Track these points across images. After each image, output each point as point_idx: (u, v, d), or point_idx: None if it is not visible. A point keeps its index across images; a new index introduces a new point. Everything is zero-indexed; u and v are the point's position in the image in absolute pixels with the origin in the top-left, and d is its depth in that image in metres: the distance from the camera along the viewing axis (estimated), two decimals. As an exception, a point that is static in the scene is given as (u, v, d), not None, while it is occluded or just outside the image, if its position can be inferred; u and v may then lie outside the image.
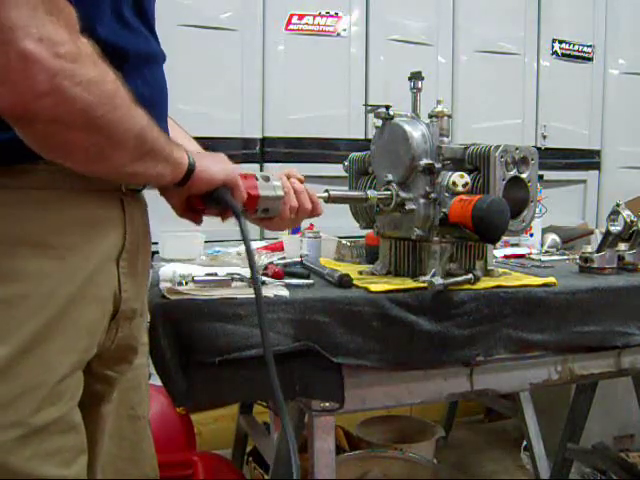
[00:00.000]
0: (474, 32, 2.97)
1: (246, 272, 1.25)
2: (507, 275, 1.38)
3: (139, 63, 0.83)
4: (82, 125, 0.67)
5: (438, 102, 1.31)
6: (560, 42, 3.17)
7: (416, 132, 1.28)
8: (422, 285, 1.21)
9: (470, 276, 1.25)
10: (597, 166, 3.34)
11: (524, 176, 1.28)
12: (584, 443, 2.22)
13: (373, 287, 1.19)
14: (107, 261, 0.83)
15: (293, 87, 2.64)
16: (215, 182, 0.88)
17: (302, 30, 2.65)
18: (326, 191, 1.18)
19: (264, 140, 2.64)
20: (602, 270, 1.48)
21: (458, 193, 1.23)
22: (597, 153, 3.34)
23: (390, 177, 1.29)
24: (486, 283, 1.27)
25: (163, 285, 1.16)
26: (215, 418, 2.55)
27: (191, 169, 0.84)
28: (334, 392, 1.15)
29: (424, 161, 1.26)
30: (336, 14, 2.69)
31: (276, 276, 1.28)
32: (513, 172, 1.27)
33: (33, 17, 0.61)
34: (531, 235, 1.91)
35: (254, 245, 1.79)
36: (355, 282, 1.24)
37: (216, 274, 1.21)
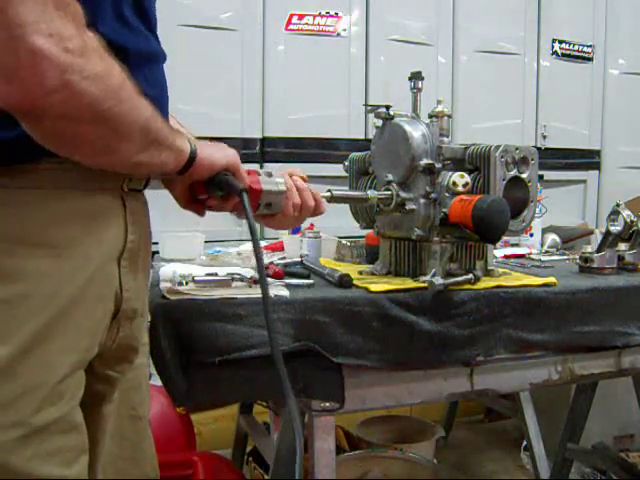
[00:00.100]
0: (474, 32, 2.97)
1: (246, 272, 1.25)
2: (507, 275, 1.38)
3: (139, 62, 0.83)
4: (89, 119, 0.68)
5: (438, 102, 1.31)
6: (560, 42, 3.17)
7: (416, 132, 1.28)
8: (422, 285, 1.21)
9: (470, 276, 1.25)
10: (597, 166, 3.35)
11: (524, 176, 1.28)
12: (584, 443, 2.22)
13: (373, 287, 1.19)
14: (108, 260, 0.83)
15: (293, 87, 2.64)
16: (217, 167, 0.89)
17: (302, 30, 2.65)
18: (329, 191, 1.18)
19: (264, 140, 2.64)
20: (602, 270, 1.48)
21: (458, 193, 1.23)
22: (597, 153, 3.34)
23: (390, 177, 1.29)
24: (486, 283, 1.27)
25: (163, 285, 1.16)
26: (215, 418, 2.55)
27: (193, 156, 0.85)
28: (334, 392, 1.15)
29: (424, 161, 1.26)
30: (336, 14, 2.69)
31: (276, 276, 1.28)
32: (513, 172, 1.27)
33: (43, 12, 0.61)
34: (531, 235, 1.91)
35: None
36: (355, 282, 1.24)
37: (216, 274, 1.21)
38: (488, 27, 2.99)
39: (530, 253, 1.81)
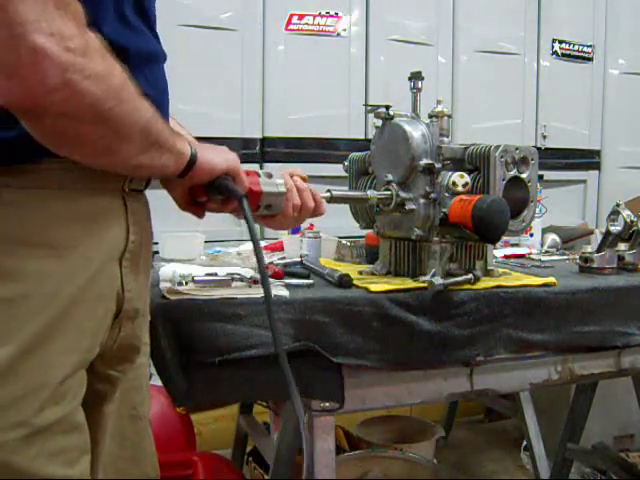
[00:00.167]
0: (474, 32, 2.97)
1: (246, 272, 1.26)
2: (507, 275, 1.39)
3: (140, 62, 0.83)
4: (90, 119, 0.67)
5: (438, 102, 1.32)
6: (560, 42, 3.17)
7: (416, 132, 1.28)
8: (422, 285, 1.21)
9: (470, 276, 1.25)
10: (597, 166, 3.34)
11: (524, 176, 1.29)
12: (584, 443, 2.22)
13: (373, 287, 1.19)
14: (110, 260, 0.83)
15: (293, 87, 2.64)
16: (217, 171, 0.89)
17: (302, 30, 2.65)
18: (328, 191, 1.18)
19: (264, 140, 2.64)
20: (602, 270, 1.48)
21: (458, 193, 1.23)
22: (597, 153, 3.34)
23: (390, 177, 1.29)
24: (486, 283, 1.27)
25: (163, 285, 1.16)
26: (215, 418, 2.55)
27: (193, 159, 0.84)
28: (334, 392, 1.15)
29: (424, 161, 1.26)
30: (336, 14, 2.69)
31: (276, 276, 1.28)
32: (513, 172, 1.27)
33: (43, 11, 0.61)
34: (531, 235, 1.91)
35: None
36: (355, 282, 1.24)
37: (216, 274, 1.21)
38: (488, 27, 2.99)
39: (530, 253, 1.81)
